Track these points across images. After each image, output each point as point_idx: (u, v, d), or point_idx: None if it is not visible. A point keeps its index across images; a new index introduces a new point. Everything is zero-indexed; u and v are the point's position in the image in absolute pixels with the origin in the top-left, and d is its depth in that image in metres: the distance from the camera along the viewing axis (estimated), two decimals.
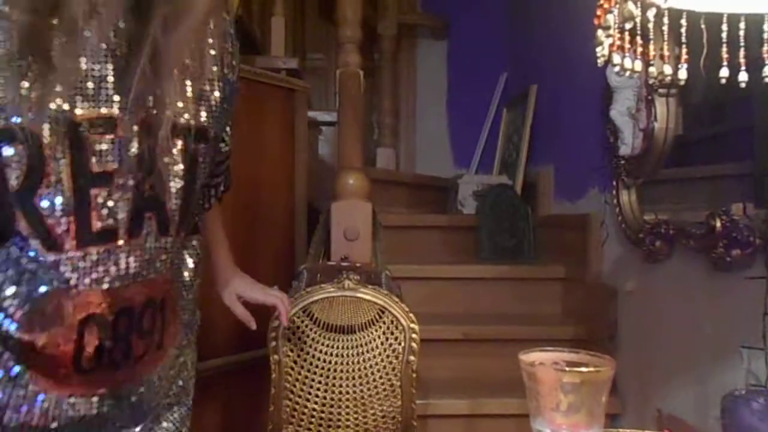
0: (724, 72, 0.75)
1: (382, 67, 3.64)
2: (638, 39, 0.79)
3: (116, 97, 0.75)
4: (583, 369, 0.81)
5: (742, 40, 0.74)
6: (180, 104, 0.80)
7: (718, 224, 1.44)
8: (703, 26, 0.77)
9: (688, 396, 1.65)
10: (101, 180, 0.75)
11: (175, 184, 0.81)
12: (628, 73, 0.81)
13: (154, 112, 0.77)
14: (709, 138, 1.65)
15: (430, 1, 3.85)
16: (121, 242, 0.77)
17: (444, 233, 2.77)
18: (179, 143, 0.81)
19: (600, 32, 0.82)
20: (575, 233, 2.33)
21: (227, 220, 1.91)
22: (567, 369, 0.81)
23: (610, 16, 0.80)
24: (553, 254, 2.61)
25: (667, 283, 1.78)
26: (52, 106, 0.71)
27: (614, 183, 1.98)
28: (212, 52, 0.86)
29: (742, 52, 0.74)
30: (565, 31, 2.55)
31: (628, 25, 0.78)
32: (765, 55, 0.73)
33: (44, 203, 0.72)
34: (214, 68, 0.87)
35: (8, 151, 0.70)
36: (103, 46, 0.74)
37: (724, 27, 0.75)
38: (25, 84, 0.69)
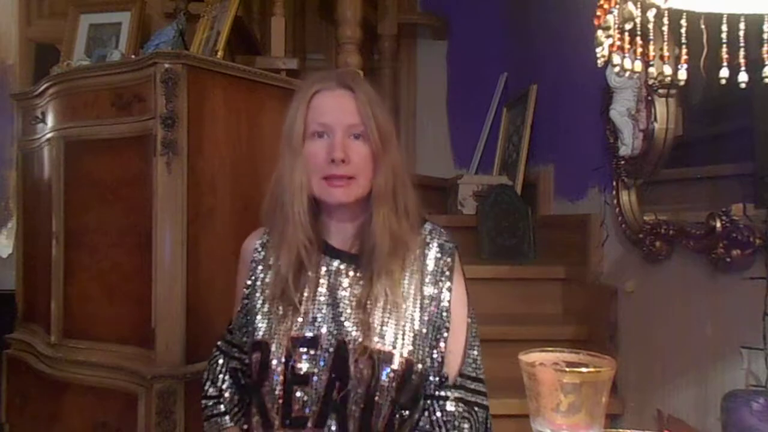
0: (724, 72, 0.75)
1: (382, 67, 3.63)
2: (638, 39, 0.79)
3: None
4: (583, 369, 0.81)
5: (741, 40, 0.74)
6: None
7: (718, 225, 1.44)
8: (703, 26, 0.77)
9: (688, 396, 1.65)
10: None
11: None
12: (628, 74, 0.81)
13: None
14: (709, 138, 1.64)
15: (430, 1, 3.84)
16: None
17: None
18: None
19: (600, 33, 0.82)
20: (575, 233, 2.33)
21: (226, 221, 1.94)
22: (567, 369, 0.81)
23: (610, 17, 0.79)
24: (553, 254, 2.61)
25: (667, 283, 1.78)
26: None
27: (614, 183, 1.98)
28: None
29: (741, 53, 0.74)
30: (565, 31, 2.55)
31: (628, 26, 0.78)
32: (765, 55, 0.73)
33: None
34: None
35: None
36: None
37: (724, 27, 0.75)
38: None
